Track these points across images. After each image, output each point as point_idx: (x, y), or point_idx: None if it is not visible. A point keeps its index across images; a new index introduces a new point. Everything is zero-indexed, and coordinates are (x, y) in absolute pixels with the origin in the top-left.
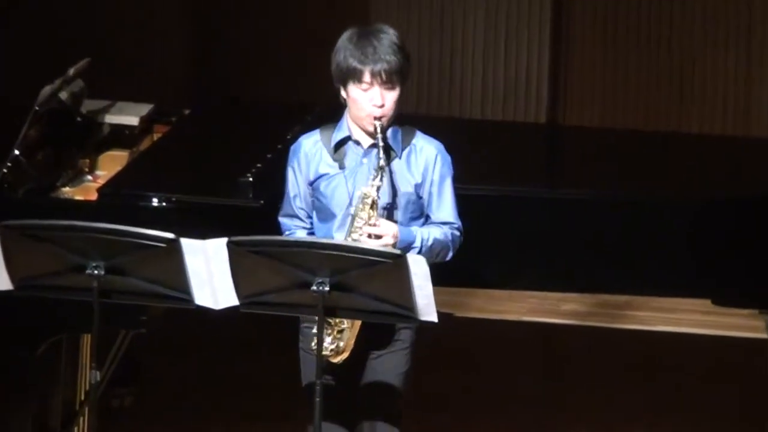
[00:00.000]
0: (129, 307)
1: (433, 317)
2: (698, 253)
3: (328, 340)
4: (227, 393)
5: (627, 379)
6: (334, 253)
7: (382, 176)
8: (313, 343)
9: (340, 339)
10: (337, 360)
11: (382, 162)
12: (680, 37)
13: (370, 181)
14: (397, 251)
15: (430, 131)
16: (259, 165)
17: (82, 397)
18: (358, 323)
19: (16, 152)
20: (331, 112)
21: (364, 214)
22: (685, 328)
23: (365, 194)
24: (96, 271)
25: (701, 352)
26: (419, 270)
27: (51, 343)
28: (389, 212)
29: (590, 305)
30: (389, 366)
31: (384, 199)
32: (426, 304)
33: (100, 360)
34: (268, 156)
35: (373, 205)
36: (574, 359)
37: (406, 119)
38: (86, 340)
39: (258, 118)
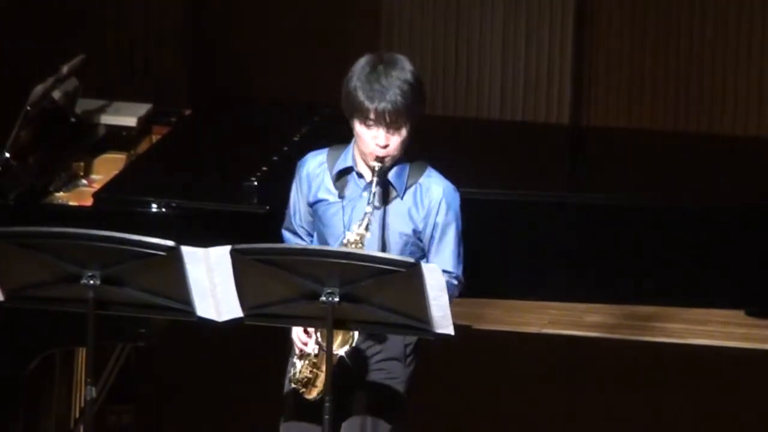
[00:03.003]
0: (126, 319)
1: (450, 330)
2: (731, 260)
3: (298, 365)
4: (230, 409)
5: (656, 394)
6: (345, 261)
7: (368, 225)
8: (290, 374)
9: (313, 381)
10: (312, 396)
11: (369, 207)
12: (713, 34)
13: (355, 228)
14: (411, 259)
15: (446, 133)
16: (264, 168)
17: (77, 415)
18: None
19: (6, 155)
20: (339, 113)
21: None
22: (719, 341)
23: (349, 241)
24: (91, 281)
25: (736, 366)
26: (434, 280)
27: (43, 357)
28: None
29: (616, 317)
30: (379, 393)
31: (371, 246)
32: (441, 316)
33: (96, 375)
34: (274, 159)
35: None
36: (599, 374)
37: (420, 121)
38: (81, 354)
39: (263, 118)
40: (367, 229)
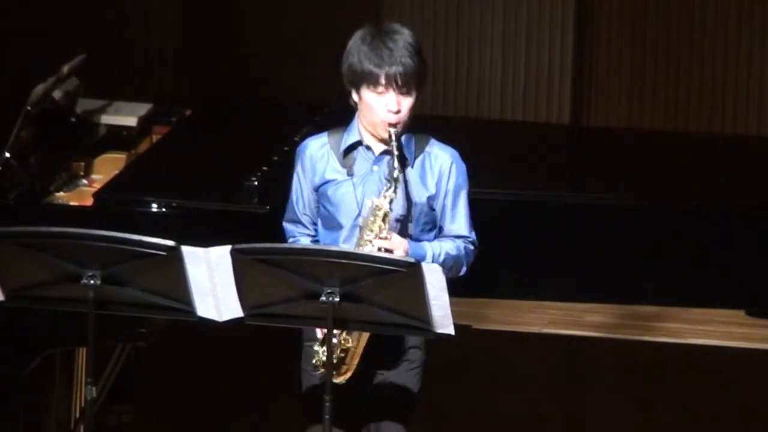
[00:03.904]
0: (127, 319)
1: (450, 330)
2: (731, 260)
3: (320, 351)
4: (230, 410)
5: (656, 394)
6: (345, 261)
7: (396, 188)
8: (314, 360)
9: (344, 359)
10: (339, 380)
11: (396, 173)
12: (712, 35)
13: (383, 192)
14: (411, 259)
15: (446, 132)
16: (264, 168)
17: (78, 415)
18: (363, 343)
19: (7, 155)
20: (341, 112)
21: (375, 227)
22: (719, 340)
23: (377, 206)
24: (92, 281)
25: (736, 366)
26: (435, 280)
27: (43, 357)
28: (403, 225)
29: (616, 316)
30: (398, 388)
31: (397, 211)
32: (442, 316)
33: (96, 375)
34: (275, 158)
35: (385, 217)
36: (599, 374)
37: (421, 120)
38: (81, 354)
39: (263, 118)
40: (395, 191)
